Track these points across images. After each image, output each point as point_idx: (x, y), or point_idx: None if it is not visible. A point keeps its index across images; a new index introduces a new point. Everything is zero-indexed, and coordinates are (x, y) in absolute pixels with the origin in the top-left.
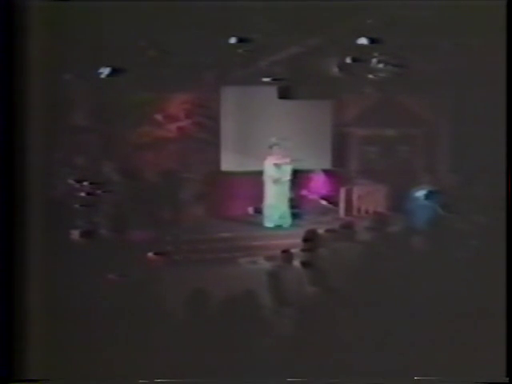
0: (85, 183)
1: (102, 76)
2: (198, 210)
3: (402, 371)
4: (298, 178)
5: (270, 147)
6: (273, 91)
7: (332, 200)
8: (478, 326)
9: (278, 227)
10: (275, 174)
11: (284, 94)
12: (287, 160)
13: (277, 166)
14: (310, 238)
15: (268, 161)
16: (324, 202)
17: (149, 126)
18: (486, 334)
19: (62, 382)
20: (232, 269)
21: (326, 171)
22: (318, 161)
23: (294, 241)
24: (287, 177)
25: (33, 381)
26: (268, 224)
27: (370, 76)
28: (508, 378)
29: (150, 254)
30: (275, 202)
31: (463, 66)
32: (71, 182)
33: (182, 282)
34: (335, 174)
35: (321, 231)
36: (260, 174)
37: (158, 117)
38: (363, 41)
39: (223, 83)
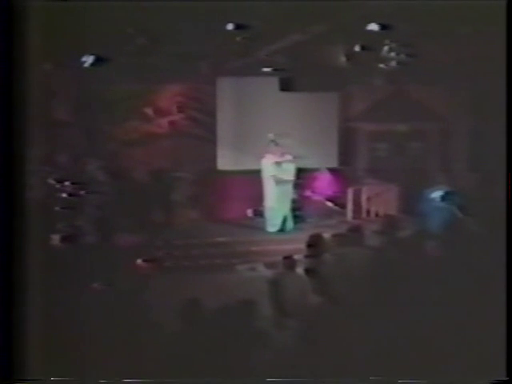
0: (66, 183)
1: (86, 65)
2: (191, 212)
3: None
4: (302, 177)
5: (268, 144)
6: (274, 83)
7: (338, 201)
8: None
9: (280, 231)
10: (275, 172)
11: (286, 86)
12: (289, 158)
13: (278, 164)
14: (315, 243)
15: (266, 159)
16: (330, 204)
17: (137, 121)
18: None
19: (62, 382)
20: (229, 276)
21: (331, 170)
22: (323, 159)
23: (296, 246)
24: (290, 176)
25: (33, 381)
26: (269, 228)
27: (381, 66)
28: (508, 378)
29: (139, 261)
30: (276, 204)
31: (482, 55)
32: (51, 181)
33: (174, 292)
34: (342, 173)
35: (326, 235)
36: (259, 173)
37: (148, 110)
38: (373, 27)
39: (220, 74)
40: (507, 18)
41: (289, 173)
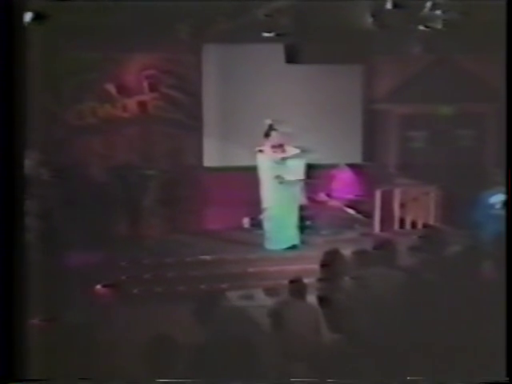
0: None
1: (23, 24)
2: (166, 222)
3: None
4: (314, 176)
5: (267, 134)
6: (277, 52)
7: (362, 208)
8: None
9: (285, 247)
10: (279, 171)
11: (293, 57)
12: (295, 151)
13: (282, 160)
14: (331, 263)
15: (264, 153)
16: (350, 211)
17: (94, 101)
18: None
19: (62, 382)
20: (217, 307)
21: (353, 167)
22: (342, 152)
23: (306, 266)
24: (298, 176)
25: (33, 381)
26: (270, 243)
27: (421, 28)
28: (508, 378)
29: (98, 287)
30: (280, 212)
31: None
32: None
33: (142, 327)
34: (367, 171)
35: (346, 253)
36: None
37: (109, 87)
38: None
39: (205, 40)
40: (507, 17)
41: (296, 171)
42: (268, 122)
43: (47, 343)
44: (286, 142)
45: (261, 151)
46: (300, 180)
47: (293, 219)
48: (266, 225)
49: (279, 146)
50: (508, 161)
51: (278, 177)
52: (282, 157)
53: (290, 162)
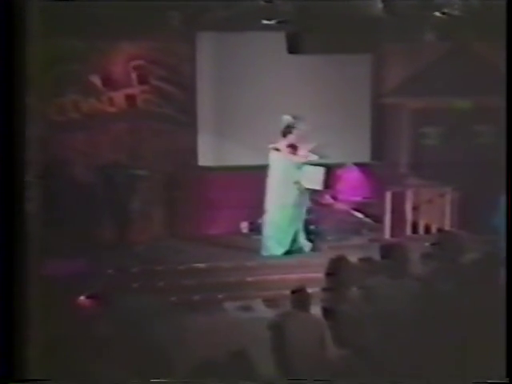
0: None
1: None
2: (157, 226)
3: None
4: (329, 184)
5: (285, 132)
6: (278, 41)
7: (371, 211)
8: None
9: (287, 253)
10: (294, 175)
11: (295, 46)
12: (314, 156)
13: (302, 164)
14: (336, 271)
15: (282, 153)
16: (358, 215)
17: (78, 94)
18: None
19: (62, 382)
20: (213, 319)
21: (361, 166)
22: (349, 150)
23: (310, 275)
24: (317, 184)
25: (33, 381)
26: (271, 249)
27: (436, 14)
28: (508, 378)
29: (81, 298)
30: (284, 216)
31: None
32: None
33: (129, 341)
34: (376, 171)
35: (353, 260)
36: (258, 170)
37: (94, 79)
38: None
39: (199, 27)
40: (507, 17)
41: (315, 178)
42: (288, 118)
43: (47, 343)
44: (302, 143)
45: (277, 150)
46: (320, 189)
47: (298, 224)
48: (268, 229)
49: (294, 147)
50: (508, 160)
51: (297, 183)
52: (302, 161)
53: (308, 167)
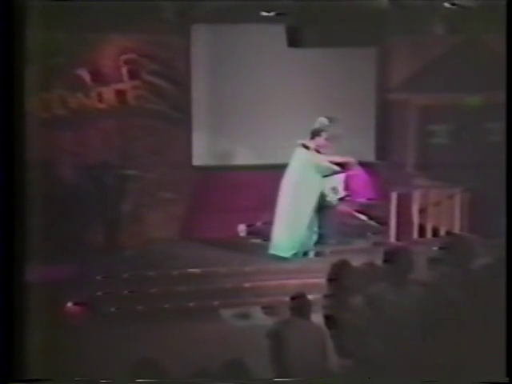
0: None
1: None
2: (149, 229)
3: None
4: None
5: (316, 134)
6: (278, 34)
7: (375, 213)
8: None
9: (287, 257)
10: (327, 180)
11: (296, 39)
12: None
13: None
14: (339, 277)
15: (310, 152)
16: (362, 217)
17: (65, 89)
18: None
19: (62, 382)
20: (208, 327)
21: (366, 165)
22: (352, 149)
23: (311, 280)
24: (340, 194)
25: (33, 381)
26: (280, 249)
27: (446, 5)
28: (508, 378)
29: (69, 305)
30: (294, 216)
31: None
32: None
33: (121, 350)
34: (381, 171)
35: (356, 264)
36: (257, 170)
37: (83, 73)
38: None
39: (193, 19)
40: (507, 17)
41: (339, 188)
42: (323, 120)
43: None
44: (328, 148)
45: (305, 147)
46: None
47: (313, 228)
48: (280, 227)
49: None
50: (508, 160)
51: (334, 189)
52: (337, 165)
53: (331, 177)
